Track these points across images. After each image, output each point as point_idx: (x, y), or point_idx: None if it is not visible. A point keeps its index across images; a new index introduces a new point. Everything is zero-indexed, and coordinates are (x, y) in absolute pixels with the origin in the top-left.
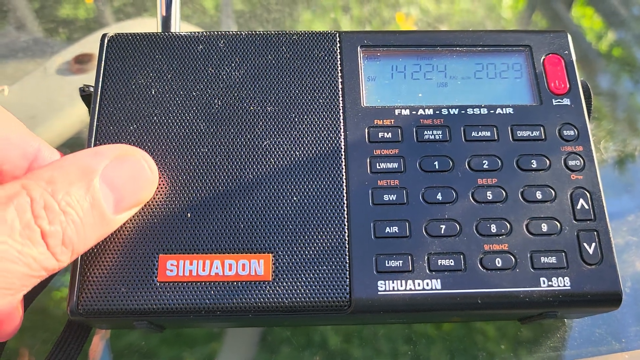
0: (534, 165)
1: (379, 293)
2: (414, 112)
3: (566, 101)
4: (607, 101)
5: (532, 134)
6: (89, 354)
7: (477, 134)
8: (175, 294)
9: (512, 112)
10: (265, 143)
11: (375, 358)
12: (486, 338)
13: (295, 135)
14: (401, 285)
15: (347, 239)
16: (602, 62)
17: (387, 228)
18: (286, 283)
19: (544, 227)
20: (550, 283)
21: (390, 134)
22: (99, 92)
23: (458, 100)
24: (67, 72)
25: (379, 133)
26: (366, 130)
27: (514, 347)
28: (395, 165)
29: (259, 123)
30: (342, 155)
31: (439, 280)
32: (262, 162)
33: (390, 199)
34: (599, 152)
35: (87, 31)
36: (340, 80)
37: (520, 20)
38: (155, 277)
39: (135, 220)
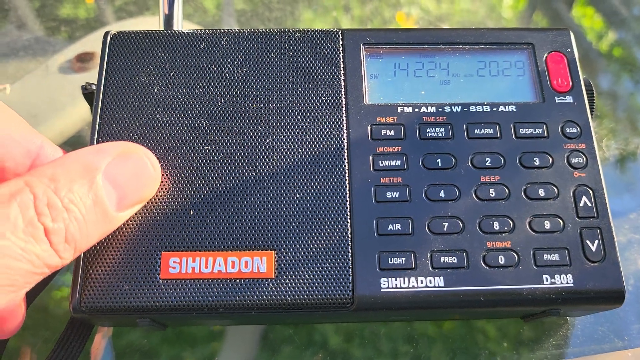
0: (537, 163)
1: (381, 290)
2: (416, 110)
3: (569, 99)
4: (607, 101)
5: (534, 131)
6: (91, 353)
7: (480, 131)
8: (178, 292)
9: (514, 110)
10: (267, 141)
11: (376, 357)
12: (487, 337)
13: (297, 132)
14: (404, 283)
15: (349, 236)
16: (603, 62)
17: (390, 225)
18: (289, 280)
19: (547, 225)
20: (553, 280)
21: (392, 131)
22: (102, 90)
23: (461, 97)
24: (69, 70)
25: (382, 130)
26: (369, 127)
27: (516, 345)
28: (398, 162)
29: (261, 121)
30: (344, 152)
31: (441, 277)
32: (264, 160)
33: (393, 196)
34: (601, 150)
35: (88, 30)
36: (342, 77)
37: (520, 20)
38: (158, 274)
39: (137, 218)
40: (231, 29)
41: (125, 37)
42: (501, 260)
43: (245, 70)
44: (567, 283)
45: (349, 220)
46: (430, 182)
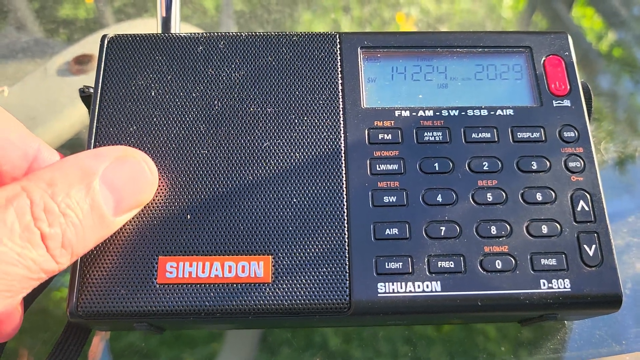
0: (534, 167)
1: (378, 295)
2: (414, 114)
3: (566, 102)
4: (607, 102)
5: (532, 135)
6: (88, 355)
7: (477, 135)
8: (175, 296)
9: (512, 114)
10: (265, 144)
11: (376, 359)
12: (486, 339)
13: (295, 136)
14: (401, 287)
15: (347, 240)
16: (603, 62)
17: (387, 230)
18: (286, 285)
19: (544, 229)
20: (550, 285)
21: (390, 135)
22: (99, 93)
23: (458, 101)
24: (67, 72)
25: (379, 134)
26: (366, 131)
27: (515, 348)
28: (395, 166)
29: (258, 124)
30: (342, 156)
31: (438, 282)
32: (262, 164)
33: (390, 200)
34: (599, 153)
35: (87, 32)
36: (340, 81)
37: (520, 21)
38: (155, 279)
39: (135, 222)
40: (228, 33)
41: (123, 41)
42: (498, 264)
43: (243, 74)
44: (565, 288)
45: (346, 225)
46: (427, 186)
